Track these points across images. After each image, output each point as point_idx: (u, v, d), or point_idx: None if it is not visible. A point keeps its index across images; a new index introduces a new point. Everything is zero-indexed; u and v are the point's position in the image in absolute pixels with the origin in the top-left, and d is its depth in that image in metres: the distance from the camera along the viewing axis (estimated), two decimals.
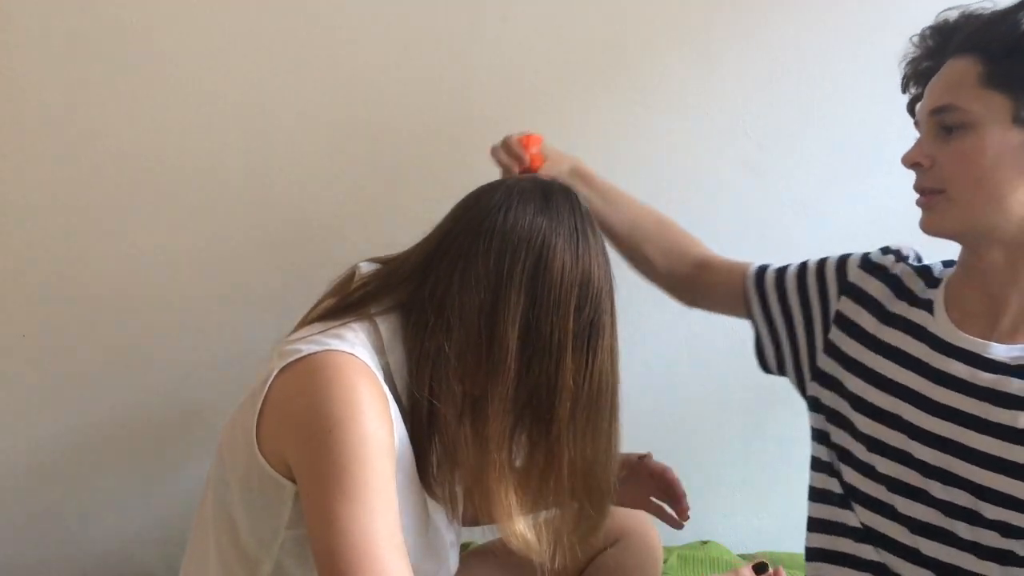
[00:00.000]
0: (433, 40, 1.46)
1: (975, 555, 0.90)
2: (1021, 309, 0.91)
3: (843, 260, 1.07)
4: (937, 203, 0.90)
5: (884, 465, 0.96)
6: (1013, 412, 0.86)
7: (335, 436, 0.78)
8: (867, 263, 1.05)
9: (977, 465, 0.88)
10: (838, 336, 1.03)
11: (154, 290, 1.52)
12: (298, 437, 0.81)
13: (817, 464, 1.07)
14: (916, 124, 0.97)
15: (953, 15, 0.93)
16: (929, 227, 0.93)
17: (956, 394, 0.90)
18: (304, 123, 1.48)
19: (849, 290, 1.04)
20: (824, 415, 1.04)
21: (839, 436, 1.01)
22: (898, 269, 1.03)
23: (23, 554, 1.60)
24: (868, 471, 0.97)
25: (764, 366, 1.16)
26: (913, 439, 0.93)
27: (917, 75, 0.98)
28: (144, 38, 1.43)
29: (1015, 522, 0.86)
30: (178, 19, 1.43)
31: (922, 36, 0.97)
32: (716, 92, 1.51)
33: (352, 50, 1.46)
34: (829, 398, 1.03)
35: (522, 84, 1.48)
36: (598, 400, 0.90)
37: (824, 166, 1.54)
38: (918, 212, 0.95)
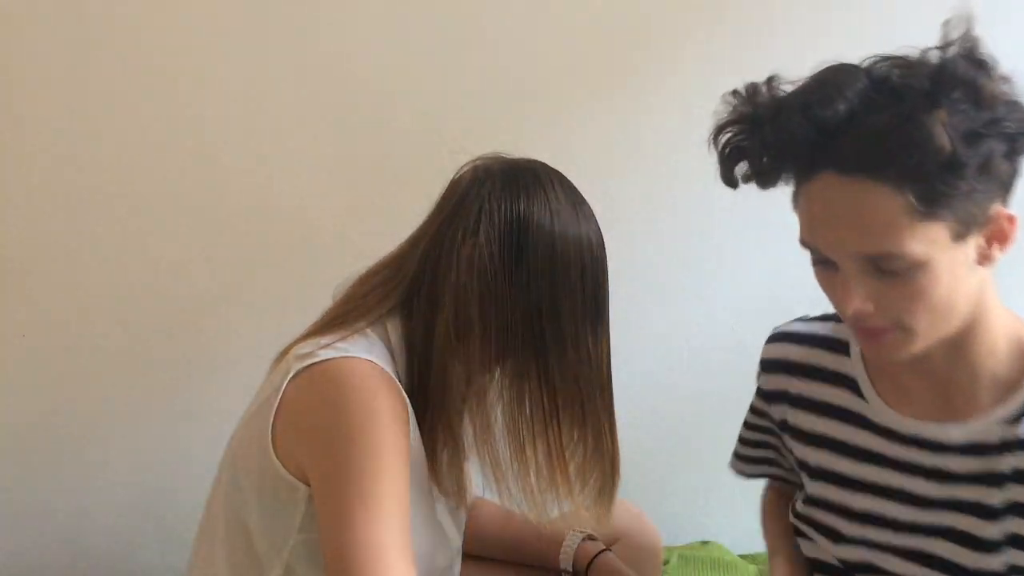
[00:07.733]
0: (433, 39, 1.46)
1: None
2: (970, 385, 0.83)
3: (757, 374, 1.03)
4: (893, 338, 0.79)
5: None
6: (1012, 487, 0.81)
7: (356, 444, 0.78)
8: (763, 364, 1.01)
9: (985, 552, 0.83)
10: (791, 443, 0.98)
11: (154, 290, 1.52)
12: (318, 443, 0.81)
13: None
14: (803, 244, 0.87)
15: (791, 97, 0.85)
16: (881, 358, 0.86)
17: (935, 484, 0.85)
18: (304, 124, 1.48)
19: (769, 397, 1.00)
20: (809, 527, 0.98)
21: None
22: (793, 353, 0.97)
23: (23, 554, 1.60)
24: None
25: None
26: (899, 531, 0.88)
27: (751, 160, 0.86)
28: (144, 39, 1.43)
29: None
30: (179, 19, 1.43)
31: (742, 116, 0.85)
32: (716, 92, 1.51)
33: (352, 50, 1.46)
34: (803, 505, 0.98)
35: (523, 83, 1.48)
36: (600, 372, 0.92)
37: None
38: None
